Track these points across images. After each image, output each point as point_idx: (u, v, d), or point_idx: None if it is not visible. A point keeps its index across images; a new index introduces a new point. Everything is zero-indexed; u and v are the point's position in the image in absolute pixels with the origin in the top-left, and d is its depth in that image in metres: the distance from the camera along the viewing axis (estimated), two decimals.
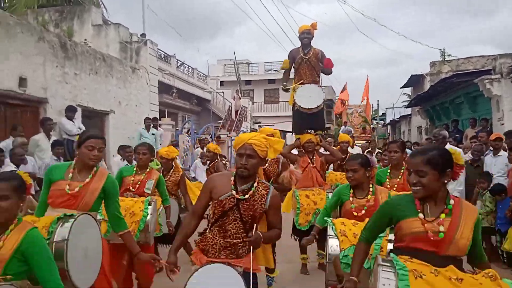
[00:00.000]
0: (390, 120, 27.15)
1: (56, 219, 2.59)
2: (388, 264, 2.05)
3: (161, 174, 4.80)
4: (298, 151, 6.18)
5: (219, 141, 12.02)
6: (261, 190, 2.66)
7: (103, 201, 3.00)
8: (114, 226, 3.05)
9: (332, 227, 3.12)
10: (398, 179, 4.09)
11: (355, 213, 3.38)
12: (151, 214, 3.97)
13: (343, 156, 6.43)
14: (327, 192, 5.37)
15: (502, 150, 6.36)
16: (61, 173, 2.90)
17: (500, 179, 6.05)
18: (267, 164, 5.05)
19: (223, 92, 24.83)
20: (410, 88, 21.93)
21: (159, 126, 11.52)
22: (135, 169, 4.52)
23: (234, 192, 2.60)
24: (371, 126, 25.11)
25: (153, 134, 10.50)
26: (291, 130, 6.48)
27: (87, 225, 2.74)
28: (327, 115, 33.61)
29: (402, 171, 4.08)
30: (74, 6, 13.05)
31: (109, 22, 13.20)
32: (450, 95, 13.58)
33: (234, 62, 26.41)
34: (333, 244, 2.98)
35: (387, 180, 4.14)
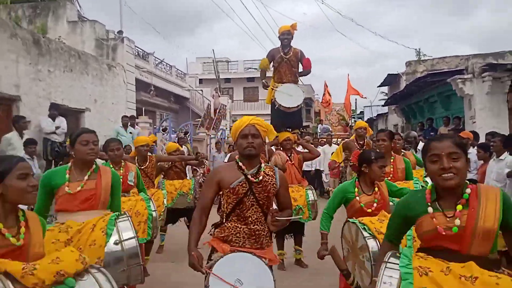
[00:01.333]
0: (368, 118, 27.56)
1: (111, 219, 2.69)
2: (394, 262, 1.90)
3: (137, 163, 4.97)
4: (275, 149, 6.22)
5: (180, 141, 11.90)
6: (268, 171, 2.65)
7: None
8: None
9: (365, 228, 2.99)
10: (390, 167, 4.25)
11: (368, 210, 3.28)
12: (155, 210, 3.97)
13: (360, 143, 6.51)
14: (306, 189, 5.45)
15: (471, 147, 6.56)
16: (63, 176, 2.84)
17: (469, 175, 6.26)
18: None
19: (202, 90, 24.70)
20: (387, 87, 22.30)
21: (136, 125, 11.37)
22: (111, 166, 4.34)
23: (245, 177, 2.55)
24: (349, 124, 25.44)
25: (130, 132, 10.35)
26: None
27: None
28: (306, 113, 33.88)
29: (392, 159, 4.32)
30: (48, 2, 12.75)
31: (85, 19, 12.96)
32: (424, 94, 13.87)
33: (213, 60, 26.28)
34: (373, 245, 2.85)
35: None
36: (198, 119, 20.72)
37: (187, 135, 14.41)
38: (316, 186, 11.29)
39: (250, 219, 2.55)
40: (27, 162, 2.23)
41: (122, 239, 2.64)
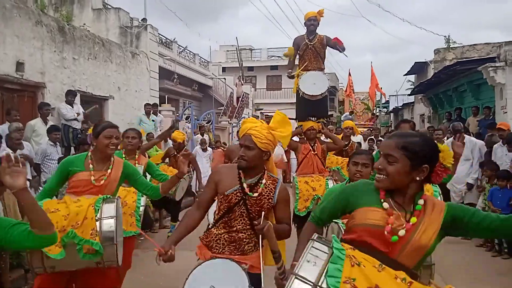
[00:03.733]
0: (393, 108, 26.97)
1: (100, 199, 2.81)
2: (324, 243, 1.74)
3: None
4: (299, 138, 6.12)
5: (202, 129, 11.88)
6: (269, 184, 2.54)
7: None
8: (157, 192, 3.20)
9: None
10: None
11: None
12: (143, 206, 4.01)
13: (345, 143, 6.43)
14: (326, 179, 5.34)
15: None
16: (81, 164, 3.02)
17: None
18: None
19: (225, 78, 24.67)
20: (414, 75, 21.71)
21: (159, 112, 11.42)
22: (123, 155, 4.26)
23: (241, 186, 2.48)
24: (375, 114, 24.97)
25: (153, 120, 10.42)
26: (293, 117, 6.41)
27: (120, 208, 2.98)
28: (330, 102, 33.45)
29: None
30: None
31: (109, 6, 13.02)
32: (453, 82, 13.42)
33: (236, 48, 26.16)
34: (334, 227, 2.83)
35: None
36: (221, 108, 20.76)
37: (210, 124, 14.43)
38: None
39: (235, 228, 2.49)
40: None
41: (101, 217, 2.73)
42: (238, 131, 13.28)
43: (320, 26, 6.16)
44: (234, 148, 4.47)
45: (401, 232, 1.72)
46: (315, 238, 1.78)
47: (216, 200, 2.62)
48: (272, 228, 2.37)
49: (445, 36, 18.56)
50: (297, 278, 1.62)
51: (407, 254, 1.74)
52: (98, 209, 2.75)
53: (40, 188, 5.30)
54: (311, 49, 6.05)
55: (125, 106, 10.88)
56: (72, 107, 8.11)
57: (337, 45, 6.04)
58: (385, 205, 1.78)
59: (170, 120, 12.61)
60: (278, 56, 30.65)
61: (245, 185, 2.48)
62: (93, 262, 2.70)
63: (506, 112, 9.63)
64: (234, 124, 18.10)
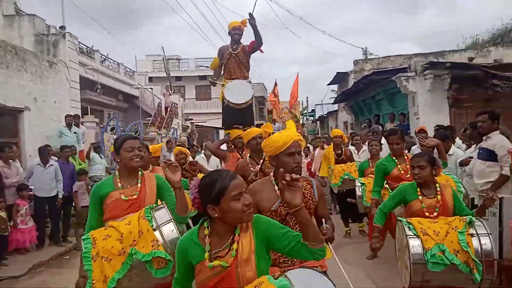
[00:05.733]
0: (319, 116, 28.12)
1: (147, 209, 2.63)
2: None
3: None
4: (227, 146, 6.14)
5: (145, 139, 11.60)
6: (306, 185, 2.54)
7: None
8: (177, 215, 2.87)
9: (409, 227, 2.98)
10: (406, 165, 4.39)
11: (427, 213, 3.19)
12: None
13: (338, 152, 6.85)
14: None
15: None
16: (110, 185, 2.86)
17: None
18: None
19: (152, 88, 24.14)
20: (336, 85, 22.83)
21: (82, 124, 10.86)
22: None
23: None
24: (301, 122, 25.81)
25: (74, 132, 9.87)
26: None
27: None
28: (259, 111, 34.01)
29: (405, 157, 4.51)
30: None
31: (23, 13, 12.20)
32: (371, 91, 14.31)
33: (163, 57, 25.74)
34: (414, 244, 2.88)
35: (398, 166, 4.44)
36: (149, 118, 20.21)
37: (137, 134, 13.99)
38: None
39: None
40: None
41: (158, 224, 2.55)
42: (167, 141, 13.05)
43: (245, 37, 6.28)
44: (245, 165, 4.29)
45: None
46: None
47: None
48: (332, 230, 2.54)
49: (362, 48, 19.78)
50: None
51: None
52: (151, 218, 2.56)
53: None
54: (234, 58, 6.14)
55: (43, 118, 10.19)
56: None
57: (253, 45, 6.14)
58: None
59: (93, 132, 12.05)
60: (206, 66, 30.64)
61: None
62: (169, 277, 2.42)
63: (419, 118, 10.46)
64: (163, 135, 17.70)
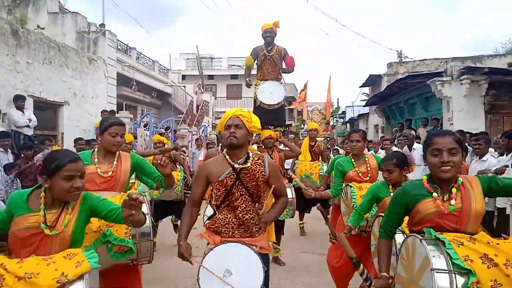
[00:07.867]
0: (349, 118, 27.80)
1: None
2: (428, 238, 2.03)
3: None
4: (257, 146, 6.23)
5: (164, 134, 11.86)
6: (257, 159, 2.69)
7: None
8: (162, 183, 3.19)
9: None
10: (367, 167, 4.16)
11: None
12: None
13: (311, 144, 7.11)
14: (286, 187, 5.48)
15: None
16: (88, 158, 2.97)
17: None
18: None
19: (184, 86, 24.56)
20: (368, 87, 22.55)
21: None
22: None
23: (233, 166, 2.60)
24: (331, 124, 25.66)
25: None
26: None
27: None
28: (289, 112, 33.98)
29: (366, 159, 4.23)
30: None
31: (66, 10, 12.72)
32: (404, 95, 14.09)
33: (196, 56, 26.15)
34: (400, 240, 2.81)
35: (355, 167, 4.15)
36: (180, 115, 20.61)
37: (169, 131, 14.32)
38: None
39: (239, 208, 2.59)
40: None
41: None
42: (197, 139, 13.30)
43: (279, 36, 6.29)
44: (214, 152, 4.63)
45: (452, 201, 2.12)
46: (421, 238, 2.03)
47: (209, 202, 2.75)
48: (272, 217, 2.65)
49: (397, 51, 19.42)
50: (437, 272, 1.87)
51: (471, 223, 2.09)
52: None
53: None
54: (269, 59, 6.19)
55: (81, 112, 10.62)
56: (23, 113, 7.84)
57: (287, 67, 6.32)
58: (435, 194, 2.16)
59: (127, 128, 12.42)
60: (238, 66, 30.87)
61: (236, 166, 2.61)
62: (120, 261, 2.67)
63: (453, 124, 10.25)
64: (193, 132, 18.03)
